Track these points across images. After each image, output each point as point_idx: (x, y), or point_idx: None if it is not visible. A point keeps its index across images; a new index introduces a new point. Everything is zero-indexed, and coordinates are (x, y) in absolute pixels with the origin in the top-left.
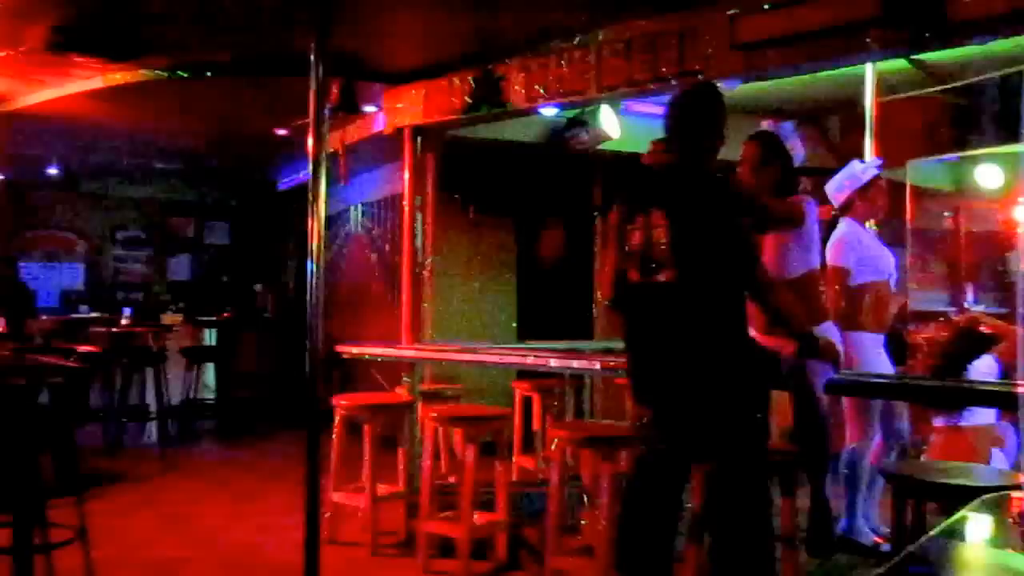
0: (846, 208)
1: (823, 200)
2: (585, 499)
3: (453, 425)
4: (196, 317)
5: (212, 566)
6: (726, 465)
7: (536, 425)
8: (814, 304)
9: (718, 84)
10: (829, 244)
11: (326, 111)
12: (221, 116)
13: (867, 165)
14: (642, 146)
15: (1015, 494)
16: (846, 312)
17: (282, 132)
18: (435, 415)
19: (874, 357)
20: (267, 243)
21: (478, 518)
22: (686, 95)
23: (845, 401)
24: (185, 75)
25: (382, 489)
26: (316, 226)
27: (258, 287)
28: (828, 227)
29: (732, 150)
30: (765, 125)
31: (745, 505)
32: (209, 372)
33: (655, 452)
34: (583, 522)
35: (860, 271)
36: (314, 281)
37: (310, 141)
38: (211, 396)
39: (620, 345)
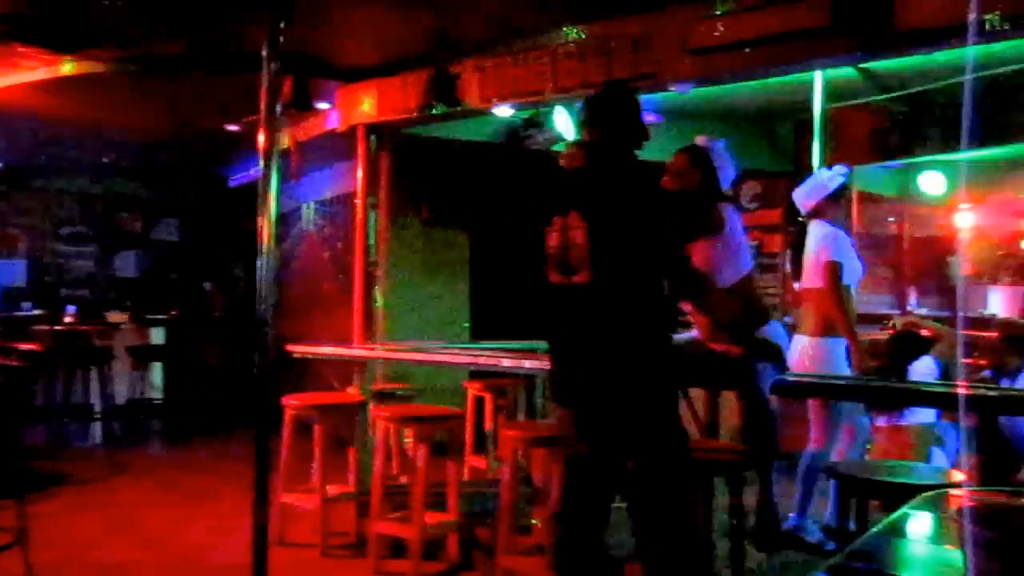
0: (814, 214)
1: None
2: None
3: (405, 425)
4: (143, 315)
5: (160, 569)
6: (646, 464)
7: (488, 425)
8: (756, 306)
9: (672, 88)
10: (819, 243)
11: (278, 108)
12: (171, 111)
13: (834, 173)
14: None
15: (954, 491)
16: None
17: (234, 128)
18: (386, 415)
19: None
20: (217, 240)
21: (430, 518)
22: (599, 96)
23: (810, 404)
24: (133, 68)
25: (332, 490)
26: (266, 224)
27: (208, 285)
28: (797, 234)
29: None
30: (699, 141)
31: (667, 502)
32: (156, 371)
33: (578, 453)
34: (535, 521)
35: (844, 273)
36: (264, 279)
37: (261, 138)
38: (159, 396)
39: None
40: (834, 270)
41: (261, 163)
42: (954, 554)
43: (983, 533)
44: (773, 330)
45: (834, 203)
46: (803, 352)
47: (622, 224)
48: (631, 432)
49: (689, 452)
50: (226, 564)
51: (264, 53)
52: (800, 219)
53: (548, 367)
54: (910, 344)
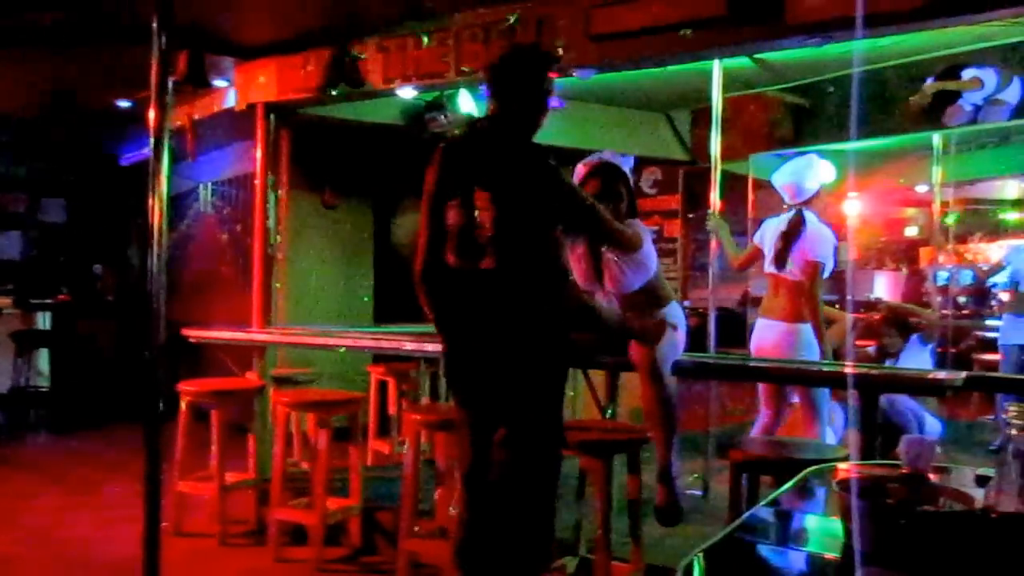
0: (806, 203)
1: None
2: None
3: (305, 410)
4: (28, 300)
5: (44, 564)
6: (511, 436)
7: (392, 409)
8: (659, 294)
9: (574, 73)
10: (811, 240)
11: (170, 84)
12: (55, 84)
13: (824, 162)
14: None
15: (840, 465)
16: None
17: (125, 104)
18: (287, 400)
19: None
20: (108, 221)
21: (331, 504)
22: (507, 57)
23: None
24: (8, 37)
25: (231, 477)
26: (157, 204)
27: (98, 268)
28: (794, 223)
29: (581, 138)
30: (606, 156)
31: (517, 479)
32: (43, 358)
33: (472, 438)
34: (438, 504)
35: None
36: (155, 262)
37: (152, 115)
38: (45, 384)
39: None
40: (819, 271)
41: (151, 141)
42: (834, 524)
43: (861, 504)
44: (672, 311)
45: (821, 193)
46: (780, 337)
47: (531, 209)
48: (510, 408)
49: (556, 443)
50: (116, 557)
51: (153, 25)
52: (795, 205)
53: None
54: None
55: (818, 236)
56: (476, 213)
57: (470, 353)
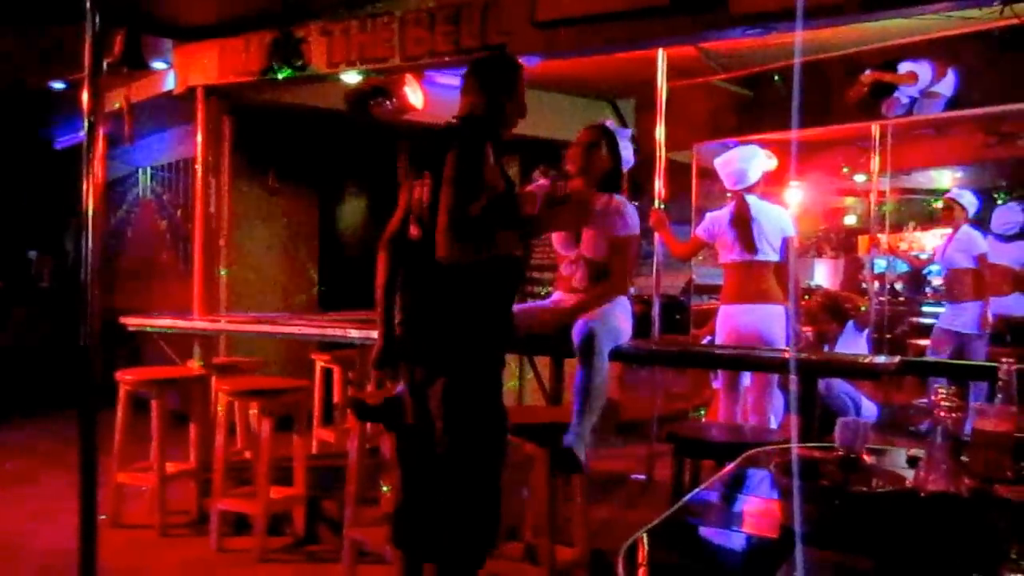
0: (750, 189)
1: None
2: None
3: (248, 399)
4: None
5: None
6: (447, 425)
7: (337, 397)
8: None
9: (519, 59)
10: (778, 220)
11: (104, 65)
12: None
13: (768, 152)
14: (445, 117)
15: (785, 447)
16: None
17: (59, 86)
18: (229, 389)
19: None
20: (43, 207)
21: (275, 493)
22: (480, 60)
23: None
24: None
25: (172, 467)
26: (92, 189)
27: (32, 254)
28: (741, 207)
29: (525, 125)
30: (607, 124)
31: (457, 466)
32: None
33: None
34: (384, 490)
35: None
36: (90, 248)
37: (85, 97)
38: None
39: None
40: (792, 246)
41: (86, 124)
42: (771, 504)
43: (796, 484)
44: (619, 300)
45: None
46: (764, 319)
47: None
48: (444, 393)
49: (495, 424)
50: (51, 549)
51: (87, 4)
52: (741, 190)
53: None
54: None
55: (781, 213)
56: (421, 191)
57: (405, 324)
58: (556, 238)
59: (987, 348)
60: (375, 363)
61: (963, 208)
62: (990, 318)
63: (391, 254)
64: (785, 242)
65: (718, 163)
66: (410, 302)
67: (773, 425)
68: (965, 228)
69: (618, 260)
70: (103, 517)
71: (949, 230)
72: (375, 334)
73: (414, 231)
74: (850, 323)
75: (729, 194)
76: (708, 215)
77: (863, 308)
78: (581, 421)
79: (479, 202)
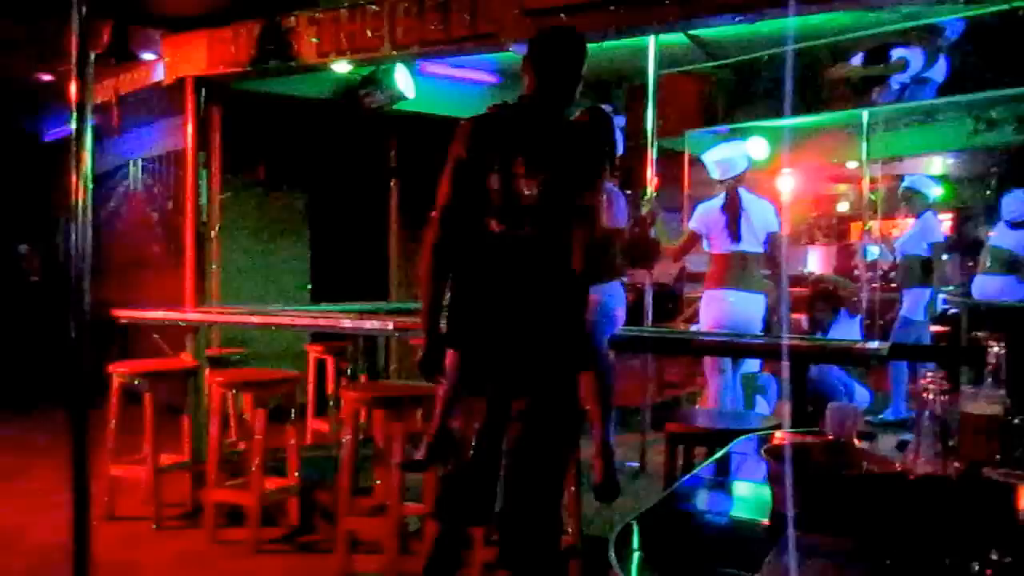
0: (738, 181)
1: None
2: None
3: (241, 390)
4: None
5: None
6: (541, 410)
7: (330, 388)
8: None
9: (510, 48)
10: (765, 213)
11: (92, 56)
12: None
13: (760, 139)
14: (437, 107)
15: (777, 435)
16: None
17: (47, 78)
18: (222, 380)
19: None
20: (32, 200)
21: (269, 484)
22: (548, 37)
23: None
24: None
25: (165, 459)
26: (80, 181)
27: (23, 248)
28: (732, 197)
29: None
30: (604, 107)
31: (549, 450)
32: None
33: (491, 398)
34: (377, 482)
35: None
36: (78, 241)
37: (73, 89)
38: None
39: (415, 305)
40: (779, 240)
41: (73, 117)
42: (762, 489)
43: (787, 469)
44: (613, 288)
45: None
46: (754, 306)
47: (576, 177)
48: (538, 378)
49: (579, 417)
50: (45, 543)
51: None
52: (729, 182)
53: (455, 315)
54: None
55: (767, 208)
56: (516, 181)
57: (501, 319)
58: None
59: (927, 332)
60: (422, 368)
61: (921, 195)
62: (938, 306)
63: (449, 248)
64: (770, 236)
65: (706, 156)
66: (495, 306)
67: (767, 410)
68: (925, 216)
69: (599, 248)
70: (96, 510)
71: (948, 216)
72: (367, 324)
73: (496, 225)
74: (843, 310)
75: (719, 184)
76: (699, 207)
77: (853, 292)
78: (608, 433)
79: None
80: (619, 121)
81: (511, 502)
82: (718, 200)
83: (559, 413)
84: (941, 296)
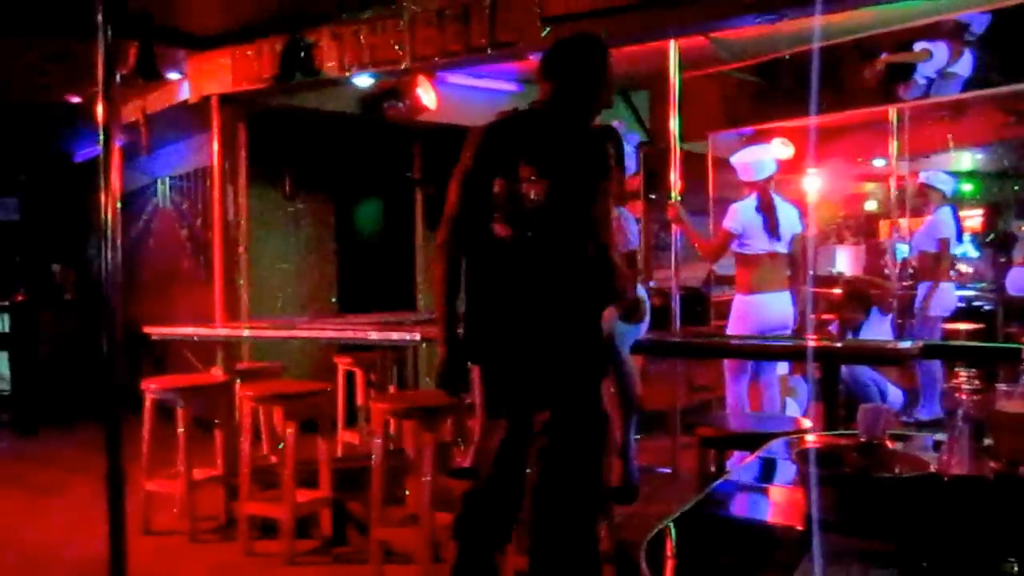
0: (768, 182)
1: None
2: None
3: (272, 403)
4: None
5: (10, 566)
6: (570, 417)
7: (360, 399)
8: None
9: (529, 56)
10: (791, 215)
11: (117, 77)
12: (3, 81)
13: (784, 140)
14: (459, 117)
15: (808, 437)
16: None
17: (76, 100)
18: (253, 394)
19: None
20: (64, 220)
21: (301, 496)
22: (567, 43)
23: None
24: None
25: (199, 473)
26: (110, 200)
27: (56, 267)
28: (764, 202)
29: None
30: (615, 124)
31: (584, 455)
32: (2, 361)
33: (512, 413)
34: (408, 492)
35: None
36: (109, 259)
37: (100, 110)
38: (6, 387)
39: None
40: (802, 242)
41: (101, 137)
42: (794, 494)
43: (819, 472)
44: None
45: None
46: (789, 306)
47: (582, 182)
48: (561, 385)
49: (605, 425)
50: (84, 558)
51: (99, 17)
52: (747, 185)
53: (470, 326)
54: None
55: (792, 211)
56: (520, 186)
57: (513, 327)
58: None
59: (933, 330)
60: (440, 380)
61: (937, 191)
62: (949, 300)
63: (458, 254)
64: (794, 238)
65: (735, 158)
66: (507, 315)
67: (798, 412)
68: (940, 211)
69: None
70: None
71: (979, 211)
72: (394, 335)
73: (504, 229)
74: (874, 309)
75: (748, 186)
76: (733, 207)
77: (886, 291)
78: (630, 438)
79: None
80: (634, 139)
81: (544, 515)
82: (752, 200)
83: (585, 422)
84: (957, 293)
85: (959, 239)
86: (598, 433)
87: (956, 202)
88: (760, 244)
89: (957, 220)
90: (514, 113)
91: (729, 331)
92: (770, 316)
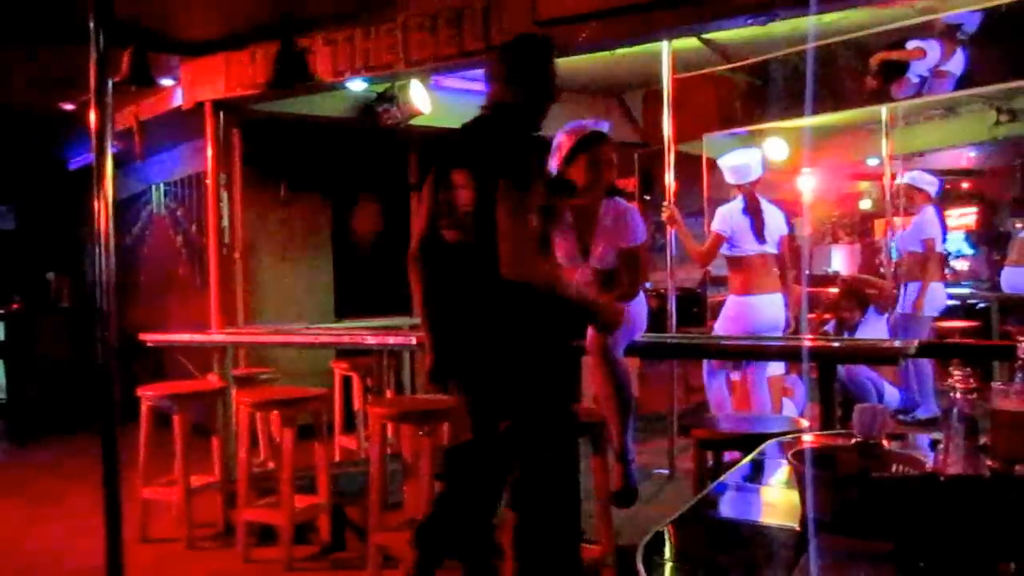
0: (755, 185)
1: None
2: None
3: (269, 409)
4: None
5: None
6: (517, 425)
7: (357, 404)
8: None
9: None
10: (779, 217)
11: (110, 84)
12: None
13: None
14: (454, 121)
15: (805, 437)
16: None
17: (70, 107)
18: (249, 400)
19: None
20: (60, 228)
21: (299, 502)
22: (509, 42)
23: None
24: None
25: (196, 480)
26: (103, 207)
27: (51, 275)
28: (754, 201)
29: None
30: (587, 124)
31: (537, 462)
32: None
33: (474, 419)
34: (406, 497)
35: None
36: (104, 265)
37: (92, 117)
38: (1, 396)
39: None
40: (789, 243)
41: (93, 144)
42: (790, 495)
43: (814, 472)
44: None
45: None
46: (780, 307)
47: (495, 184)
48: (505, 394)
49: (564, 413)
50: (82, 567)
51: (91, 24)
52: (736, 188)
53: (437, 330)
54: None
55: (777, 213)
56: (455, 193)
57: (455, 332)
58: (560, 250)
59: (921, 329)
60: (429, 378)
61: (921, 191)
62: (939, 300)
63: (424, 264)
64: (781, 239)
65: (722, 161)
66: (456, 317)
67: (795, 412)
68: (925, 211)
69: (629, 270)
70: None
71: (974, 209)
72: (391, 340)
73: (451, 235)
74: (871, 308)
75: (735, 188)
76: (720, 210)
77: (884, 290)
78: (626, 440)
79: (535, 212)
80: (604, 125)
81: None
82: (738, 203)
83: (536, 434)
84: (952, 291)
85: (944, 239)
86: (550, 445)
87: (946, 201)
88: (749, 246)
89: (942, 220)
90: (470, 122)
91: (718, 331)
92: (763, 318)
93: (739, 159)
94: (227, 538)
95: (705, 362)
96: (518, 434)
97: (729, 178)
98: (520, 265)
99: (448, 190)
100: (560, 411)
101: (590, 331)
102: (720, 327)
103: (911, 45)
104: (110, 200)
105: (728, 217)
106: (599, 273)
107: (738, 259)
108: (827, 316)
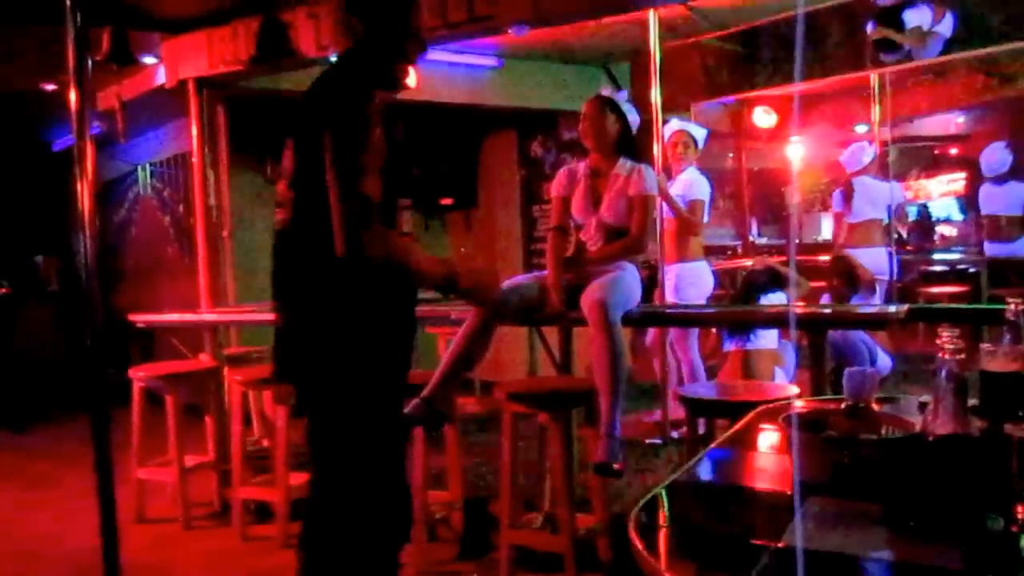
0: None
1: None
2: None
3: (261, 388)
4: None
5: (5, 558)
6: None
7: None
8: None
9: (508, 30)
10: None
11: (90, 63)
12: None
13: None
14: (439, 94)
15: (796, 403)
16: None
17: (51, 87)
18: (242, 379)
19: None
20: (46, 210)
21: (294, 479)
22: None
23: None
24: None
25: (191, 460)
26: (85, 189)
27: (39, 258)
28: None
29: (519, 97)
30: (603, 92)
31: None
32: None
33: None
34: None
35: None
36: (87, 247)
37: (72, 97)
38: None
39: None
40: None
41: (74, 124)
42: (782, 459)
43: (804, 436)
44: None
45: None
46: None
47: (319, 149)
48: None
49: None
50: (78, 549)
51: (67, 2)
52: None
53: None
54: (769, 278)
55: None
56: (283, 166)
57: (277, 313)
58: (575, 205)
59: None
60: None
61: (693, 141)
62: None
63: (272, 258)
64: (689, 204)
65: (696, 130)
66: (282, 307)
67: (785, 381)
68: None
69: (636, 217)
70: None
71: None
72: None
73: (279, 215)
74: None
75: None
76: (692, 179)
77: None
78: (614, 413)
79: (369, 177)
80: (623, 95)
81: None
82: (695, 170)
83: (333, 431)
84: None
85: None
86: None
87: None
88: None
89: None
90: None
91: (685, 300)
92: (711, 281)
93: (698, 130)
94: (223, 517)
95: (682, 331)
96: (317, 428)
97: (701, 145)
98: (355, 239)
99: (277, 165)
100: (370, 409)
101: (589, 296)
102: (685, 295)
103: (909, 20)
104: (92, 182)
105: (704, 184)
106: (608, 229)
107: (700, 226)
108: (819, 284)
